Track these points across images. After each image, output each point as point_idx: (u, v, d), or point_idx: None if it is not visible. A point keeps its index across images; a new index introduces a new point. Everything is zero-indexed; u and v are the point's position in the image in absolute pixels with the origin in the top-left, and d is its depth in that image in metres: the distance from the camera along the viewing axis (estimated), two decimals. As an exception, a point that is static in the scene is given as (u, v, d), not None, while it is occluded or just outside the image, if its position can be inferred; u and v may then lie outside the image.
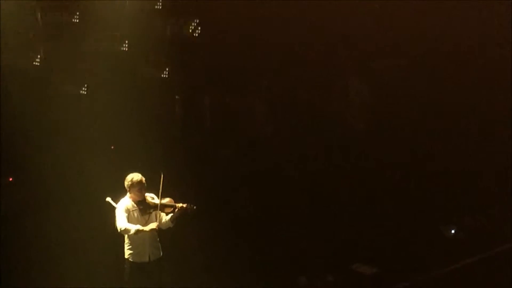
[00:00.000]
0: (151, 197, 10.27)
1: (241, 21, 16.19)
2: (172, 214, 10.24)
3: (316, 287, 12.15)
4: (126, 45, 15.89)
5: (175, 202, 10.26)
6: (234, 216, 14.09)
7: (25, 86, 15.12)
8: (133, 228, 9.97)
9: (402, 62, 16.92)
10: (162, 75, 16.23)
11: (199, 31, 16.38)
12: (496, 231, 13.57)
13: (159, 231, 10.24)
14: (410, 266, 12.48)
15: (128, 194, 10.17)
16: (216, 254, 12.69)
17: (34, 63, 15.49)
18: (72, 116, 15.12)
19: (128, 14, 15.69)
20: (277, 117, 16.56)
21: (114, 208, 10.13)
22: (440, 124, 16.22)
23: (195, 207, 10.23)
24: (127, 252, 10.20)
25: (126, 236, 10.13)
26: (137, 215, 10.13)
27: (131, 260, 10.17)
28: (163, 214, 10.27)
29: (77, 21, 15.63)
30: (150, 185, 10.25)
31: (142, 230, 10.02)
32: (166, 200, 10.24)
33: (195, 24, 16.35)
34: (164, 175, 10.12)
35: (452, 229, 13.78)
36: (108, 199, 10.23)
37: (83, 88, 15.72)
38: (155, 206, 10.17)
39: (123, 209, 10.05)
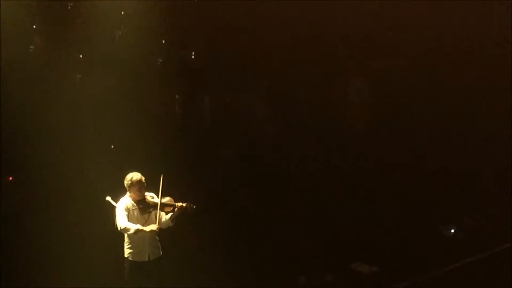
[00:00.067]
0: (151, 196, 10.27)
1: (241, 21, 16.21)
2: (172, 213, 10.24)
3: (316, 286, 12.15)
4: (126, 44, 15.91)
5: (175, 201, 10.25)
6: (234, 216, 14.07)
7: (25, 86, 15.12)
8: (133, 227, 9.97)
9: (402, 62, 16.95)
10: (162, 74, 16.25)
11: (199, 31, 16.40)
12: (496, 231, 13.56)
13: (159, 231, 10.24)
14: (410, 265, 12.47)
15: (128, 193, 10.17)
16: (216, 254, 12.67)
17: (34, 63, 15.49)
18: (72, 115, 15.12)
19: (129, 13, 15.70)
20: (277, 117, 16.56)
21: (114, 207, 10.13)
22: (440, 124, 16.23)
23: (194, 207, 10.22)
24: (126, 251, 10.20)
25: (125, 235, 10.13)
26: (137, 214, 10.14)
27: (131, 259, 10.17)
28: (163, 213, 10.27)
29: (77, 20, 15.64)
30: (150, 185, 10.25)
31: (142, 230, 10.02)
32: (166, 199, 10.24)
33: (195, 24, 16.37)
34: (164, 175, 10.13)
35: (452, 229, 13.79)
36: (108, 198, 10.23)
37: (84, 88, 15.73)
38: (155, 205, 10.17)
39: (123, 208, 10.05)
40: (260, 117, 16.58)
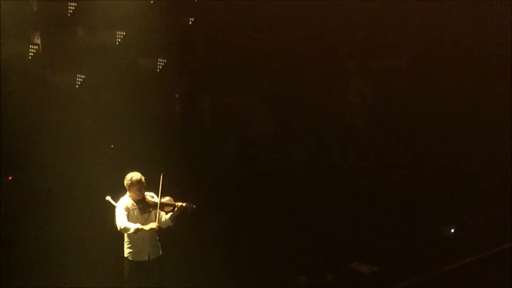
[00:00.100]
0: (151, 196, 10.28)
1: (241, 21, 16.21)
2: (171, 213, 10.26)
3: (316, 286, 12.15)
4: (126, 44, 15.89)
5: (175, 201, 10.27)
6: (234, 216, 14.06)
7: (25, 85, 15.11)
8: (132, 227, 9.98)
9: (402, 62, 16.95)
10: (162, 74, 16.24)
11: (199, 31, 16.39)
12: (496, 231, 13.57)
13: (159, 230, 10.26)
14: (410, 265, 12.48)
15: (127, 193, 10.19)
16: (216, 254, 12.67)
17: (34, 63, 15.48)
18: (72, 115, 15.10)
19: (128, 12, 15.68)
20: (277, 117, 16.55)
21: (113, 207, 10.14)
22: (440, 124, 16.24)
23: (194, 206, 10.24)
24: (126, 251, 10.21)
25: (125, 234, 10.15)
26: (137, 213, 10.15)
27: (131, 258, 10.19)
28: (162, 213, 10.29)
29: (77, 20, 15.63)
30: (150, 184, 10.26)
31: (142, 229, 10.03)
32: (166, 199, 10.26)
33: (195, 24, 16.36)
34: (164, 174, 10.14)
35: (452, 229, 13.80)
36: (108, 198, 10.24)
37: (83, 87, 15.71)
38: (154, 205, 10.19)
39: (122, 208, 10.06)
40: (260, 117, 16.56)
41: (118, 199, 10.17)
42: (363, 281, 12.28)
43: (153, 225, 10.06)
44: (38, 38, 15.36)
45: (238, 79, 16.39)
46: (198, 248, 12.77)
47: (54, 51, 15.47)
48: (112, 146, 15.31)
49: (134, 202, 10.15)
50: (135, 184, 10.11)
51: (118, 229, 10.06)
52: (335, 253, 12.90)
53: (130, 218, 10.07)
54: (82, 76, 15.60)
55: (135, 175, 10.14)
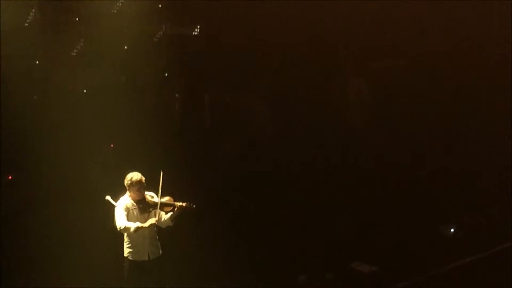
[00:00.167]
0: (151, 196, 10.27)
1: (241, 21, 16.22)
2: (171, 213, 10.25)
3: (316, 286, 12.15)
4: (126, 44, 15.92)
5: (175, 201, 10.26)
6: (234, 216, 14.06)
7: (25, 85, 15.13)
8: (133, 226, 9.97)
9: (402, 62, 16.95)
10: (162, 74, 16.26)
11: (199, 31, 16.40)
12: (496, 231, 13.56)
13: (159, 230, 10.24)
14: (410, 265, 12.47)
15: (127, 192, 10.18)
16: (216, 254, 12.67)
17: (34, 62, 15.49)
18: (72, 114, 15.13)
19: (128, 13, 15.70)
20: (277, 117, 16.57)
21: (113, 206, 10.13)
22: (440, 124, 16.24)
23: (194, 206, 10.22)
24: (126, 251, 10.20)
25: (125, 234, 10.13)
26: (137, 213, 10.13)
27: (131, 258, 10.17)
28: (162, 213, 10.27)
29: (77, 20, 15.63)
30: (150, 184, 10.25)
31: (142, 227, 10.02)
32: (166, 199, 10.24)
33: (195, 23, 16.38)
34: (164, 174, 10.13)
35: (452, 229, 13.79)
36: (108, 197, 10.23)
37: (83, 88, 15.73)
38: (154, 205, 10.17)
39: (122, 208, 10.05)
40: (260, 117, 16.58)
41: (118, 199, 10.16)
42: (363, 281, 12.28)
43: (153, 220, 10.04)
44: (38, 38, 15.38)
45: (238, 79, 16.42)
46: (198, 248, 12.76)
47: (54, 50, 15.49)
48: (112, 145, 15.32)
49: (134, 201, 10.14)
50: (135, 184, 10.09)
51: (118, 229, 10.04)
52: (335, 253, 12.89)
53: (130, 218, 10.05)
54: (82, 77, 15.62)
55: (135, 176, 10.12)
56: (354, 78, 16.81)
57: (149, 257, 10.17)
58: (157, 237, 10.27)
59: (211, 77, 16.33)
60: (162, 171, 10.08)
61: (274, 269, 12.45)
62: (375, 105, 16.70)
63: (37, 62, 15.46)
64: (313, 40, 16.34)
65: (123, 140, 15.04)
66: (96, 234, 12.35)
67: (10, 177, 14.65)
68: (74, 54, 15.61)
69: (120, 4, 15.67)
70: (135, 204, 10.13)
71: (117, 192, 10.21)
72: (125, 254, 10.20)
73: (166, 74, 16.23)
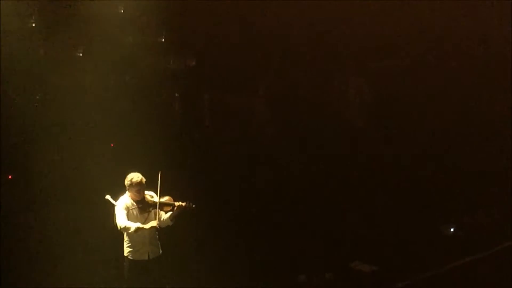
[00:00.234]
0: (150, 196, 10.27)
1: (241, 21, 16.24)
2: (171, 212, 10.26)
3: (316, 285, 12.15)
4: (127, 45, 15.93)
5: (174, 200, 10.26)
6: (234, 216, 14.06)
7: (25, 84, 15.14)
8: (133, 226, 9.98)
9: (402, 62, 16.97)
10: (162, 73, 16.27)
11: (199, 31, 16.42)
12: (496, 230, 13.57)
13: (159, 230, 10.25)
14: (410, 264, 12.48)
15: (127, 192, 10.18)
16: (216, 254, 12.67)
17: (34, 62, 15.49)
18: (72, 114, 15.13)
19: (129, 13, 15.71)
20: (277, 117, 16.58)
21: (113, 206, 10.14)
22: (440, 124, 16.25)
23: (194, 206, 10.23)
24: (126, 250, 10.20)
25: (125, 234, 10.14)
26: (136, 213, 10.14)
27: (131, 258, 10.18)
28: (162, 213, 10.28)
29: (77, 20, 15.64)
30: (150, 184, 10.26)
31: (142, 228, 10.03)
32: (165, 199, 10.25)
33: (195, 23, 16.39)
34: (164, 174, 10.13)
35: (452, 228, 13.80)
36: (108, 197, 10.24)
37: (83, 87, 15.73)
38: (154, 205, 10.17)
39: (122, 207, 10.05)
40: (260, 117, 16.59)
41: (118, 198, 10.16)
42: (363, 281, 12.28)
43: (154, 223, 10.05)
44: (38, 38, 15.39)
45: (239, 79, 16.43)
46: (198, 248, 12.76)
47: (54, 50, 15.50)
48: (111, 144, 15.33)
49: (134, 201, 10.14)
50: (134, 185, 10.09)
51: (119, 228, 10.05)
52: (335, 253, 12.89)
53: (129, 217, 10.06)
54: (82, 76, 15.62)
55: (135, 177, 10.11)
56: (354, 78, 16.82)
57: (149, 256, 10.18)
58: (157, 236, 10.27)
59: (212, 77, 16.34)
60: (161, 172, 10.09)
61: (274, 269, 12.45)
62: (375, 104, 16.70)
63: (37, 62, 15.44)
64: (313, 40, 16.35)
65: (123, 139, 15.04)
66: (96, 233, 12.35)
67: (10, 177, 14.65)
68: (74, 54, 15.60)
69: (121, 4, 15.67)
70: (134, 203, 10.14)
71: (117, 192, 10.21)
72: (125, 254, 10.21)
73: (166, 74, 16.24)
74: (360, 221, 13.84)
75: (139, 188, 10.08)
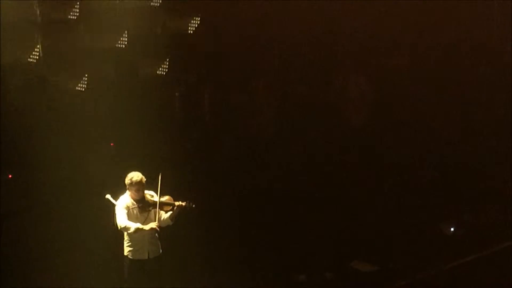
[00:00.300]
0: (151, 195, 10.28)
1: (241, 21, 16.26)
2: (171, 212, 10.26)
3: (315, 285, 12.15)
4: (126, 43, 15.92)
5: (174, 200, 10.28)
6: (234, 215, 14.05)
7: (25, 83, 15.15)
8: (133, 226, 9.99)
9: (403, 61, 16.97)
10: (162, 72, 16.27)
11: (199, 30, 16.43)
12: (496, 229, 13.56)
13: (159, 229, 10.25)
14: (410, 264, 12.48)
15: (127, 191, 10.19)
16: (216, 253, 12.67)
17: (34, 60, 15.50)
18: (72, 113, 15.15)
19: (128, 11, 15.72)
20: (277, 116, 16.59)
21: (113, 205, 10.14)
22: (440, 123, 16.26)
23: (194, 206, 10.24)
24: (126, 249, 10.21)
25: (125, 233, 10.15)
26: (137, 212, 10.15)
27: (131, 257, 10.19)
28: (162, 212, 10.29)
29: (77, 18, 15.65)
30: (150, 183, 10.27)
31: (142, 229, 10.04)
32: (165, 198, 10.26)
33: (195, 22, 16.40)
34: (164, 173, 10.15)
35: (452, 227, 13.80)
36: (108, 196, 10.25)
37: (83, 86, 15.74)
38: (154, 204, 10.19)
39: (122, 207, 10.06)
40: (260, 116, 16.59)
41: (118, 198, 10.17)
42: (363, 280, 12.28)
43: (153, 225, 10.06)
44: (39, 39, 15.40)
45: (239, 78, 16.45)
46: (198, 247, 12.75)
47: (54, 49, 15.50)
48: (112, 144, 15.34)
49: (134, 200, 10.15)
50: (134, 185, 10.11)
51: (119, 227, 10.07)
52: (335, 252, 12.89)
53: (129, 216, 10.07)
54: (82, 76, 15.63)
55: (135, 176, 10.12)
56: (354, 77, 16.82)
57: (148, 256, 10.20)
58: (157, 236, 10.28)
59: (212, 75, 16.36)
60: (161, 173, 10.10)
61: (274, 269, 12.44)
62: (375, 104, 16.71)
63: (37, 61, 15.45)
64: (313, 40, 16.37)
65: (123, 138, 15.05)
66: (96, 233, 12.35)
67: (10, 176, 14.66)
68: (74, 52, 15.60)
69: (121, 1, 15.69)
70: (135, 203, 10.15)
71: (117, 191, 10.23)
72: (125, 253, 10.22)
73: (166, 72, 16.24)
74: (360, 220, 13.83)
75: (138, 187, 10.09)
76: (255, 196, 14.69)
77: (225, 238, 13.07)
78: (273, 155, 15.84)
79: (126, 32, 15.85)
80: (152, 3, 16.03)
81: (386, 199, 14.58)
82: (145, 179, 10.15)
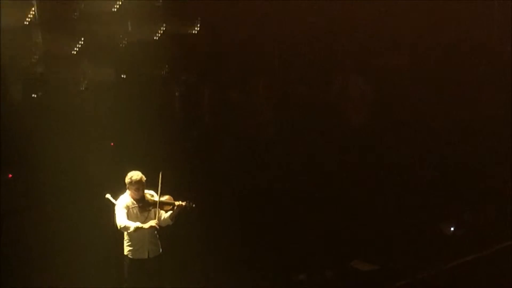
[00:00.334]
0: (151, 195, 10.29)
1: (241, 21, 16.25)
2: (171, 211, 10.26)
3: (315, 284, 12.14)
4: (126, 42, 15.93)
5: (174, 199, 10.28)
6: (234, 215, 14.05)
7: (25, 83, 15.15)
8: (132, 225, 10.00)
9: (403, 61, 16.97)
10: (162, 72, 16.28)
11: (199, 30, 16.43)
12: (496, 229, 13.56)
13: (159, 229, 10.26)
14: (410, 263, 12.47)
15: (127, 191, 10.19)
16: (216, 253, 12.67)
17: (34, 60, 15.50)
18: (72, 113, 15.15)
19: (129, 11, 15.72)
20: (277, 116, 16.58)
21: (113, 204, 10.15)
22: (440, 123, 16.25)
23: (194, 205, 10.25)
24: (126, 249, 10.22)
25: (125, 232, 10.15)
26: (137, 212, 10.15)
27: (130, 256, 10.19)
28: (162, 212, 10.29)
29: (77, 18, 15.65)
30: (151, 183, 10.27)
31: (142, 228, 10.04)
32: (165, 198, 10.26)
33: (195, 22, 16.41)
34: (164, 173, 10.14)
35: (451, 227, 13.79)
36: (108, 195, 10.25)
37: (83, 86, 15.75)
38: (154, 204, 10.19)
39: (122, 206, 10.07)
40: (260, 116, 16.58)
41: (118, 197, 10.17)
42: (363, 279, 12.28)
43: (153, 222, 10.07)
44: (38, 37, 15.39)
45: (239, 78, 16.44)
46: (198, 247, 12.75)
47: (54, 50, 15.50)
48: (112, 143, 15.34)
49: (134, 200, 10.15)
50: (134, 184, 10.12)
51: (118, 227, 10.07)
52: (335, 251, 12.89)
53: (129, 216, 10.08)
54: (82, 76, 15.63)
55: (135, 175, 10.13)
56: (354, 77, 16.80)
57: (148, 255, 10.20)
58: (157, 235, 10.28)
59: (212, 75, 16.36)
60: (161, 172, 10.10)
61: (274, 268, 12.44)
62: (375, 104, 16.70)
63: (37, 61, 15.45)
64: (313, 40, 16.37)
65: (123, 138, 15.05)
66: (96, 232, 12.35)
67: (10, 176, 14.65)
68: (74, 52, 15.61)
69: (120, 2, 15.69)
70: (135, 202, 10.16)
71: (117, 190, 10.23)
72: (125, 252, 10.22)
73: (166, 72, 16.24)
74: (360, 220, 13.83)
75: (137, 186, 10.09)
76: (255, 196, 14.69)
77: (225, 238, 13.05)
78: (273, 155, 15.83)
79: (126, 32, 15.86)
80: (152, 3, 16.02)
81: (386, 199, 14.57)
82: (145, 178, 10.15)
